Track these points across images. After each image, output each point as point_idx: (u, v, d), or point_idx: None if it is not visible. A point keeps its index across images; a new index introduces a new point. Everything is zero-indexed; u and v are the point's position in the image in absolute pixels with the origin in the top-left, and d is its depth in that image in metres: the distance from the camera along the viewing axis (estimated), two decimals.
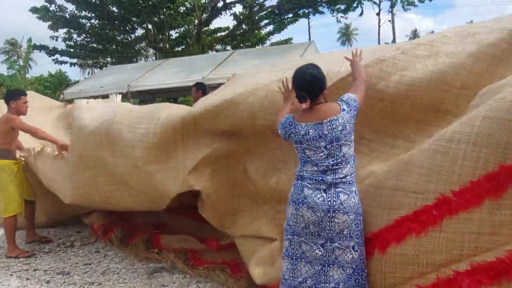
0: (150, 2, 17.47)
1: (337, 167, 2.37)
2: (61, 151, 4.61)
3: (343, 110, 2.40)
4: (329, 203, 2.35)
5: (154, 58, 22.65)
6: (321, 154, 2.38)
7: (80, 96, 12.80)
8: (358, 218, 2.42)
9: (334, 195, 2.35)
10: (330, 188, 2.36)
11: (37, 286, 3.76)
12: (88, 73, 26.10)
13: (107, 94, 12.07)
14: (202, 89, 6.40)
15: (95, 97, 15.57)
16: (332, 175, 2.37)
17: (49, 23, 18.41)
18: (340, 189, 2.37)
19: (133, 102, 13.20)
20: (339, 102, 2.45)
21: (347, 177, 2.39)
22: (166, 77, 11.39)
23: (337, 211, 2.34)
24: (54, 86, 20.54)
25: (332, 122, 2.36)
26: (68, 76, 22.82)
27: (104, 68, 19.37)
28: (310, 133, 2.38)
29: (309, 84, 2.41)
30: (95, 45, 20.21)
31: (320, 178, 2.37)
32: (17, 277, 4.01)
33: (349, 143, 2.42)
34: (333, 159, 2.37)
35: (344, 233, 2.38)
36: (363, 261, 2.43)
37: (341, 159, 2.38)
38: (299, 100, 2.41)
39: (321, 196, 2.36)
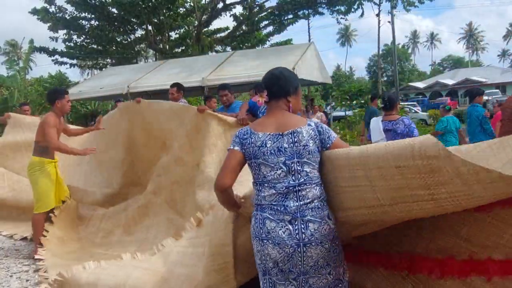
0: (150, 3, 17.49)
1: (300, 188, 1.98)
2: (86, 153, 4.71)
3: (309, 125, 2.07)
4: (297, 236, 1.95)
5: (154, 59, 22.67)
6: (279, 171, 2.01)
7: (80, 97, 12.85)
8: (335, 243, 2.05)
9: (302, 226, 1.96)
10: (296, 218, 1.96)
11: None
12: (88, 74, 26.09)
13: (107, 95, 12.10)
14: (183, 89, 6.58)
15: (95, 98, 15.65)
16: (296, 200, 1.98)
17: (49, 24, 18.43)
18: (309, 218, 1.96)
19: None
20: (307, 120, 2.14)
21: (315, 201, 1.99)
22: (166, 78, 11.40)
23: (308, 245, 1.96)
24: (54, 87, 20.52)
25: (295, 134, 2.02)
26: (68, 77, 22.85)
27: (104, 69, 19.40)
28: (267, 145, 2.03)
29: (271, 79, 2.16)
30: (95, 46, 20.23)
31: (282, 207, 1.98)
32: (17, 278, 4.01)
33: (313, 164, 2.03)
34: (293, 177, 1.99)
35: (319, 263, 2.01)
36: (339, 278, 2.13)
37: (304, 178, 2.00)
38: (255, 91, 2.22)
39: (287, 229, 1.97)
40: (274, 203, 2.01)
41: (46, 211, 4.62)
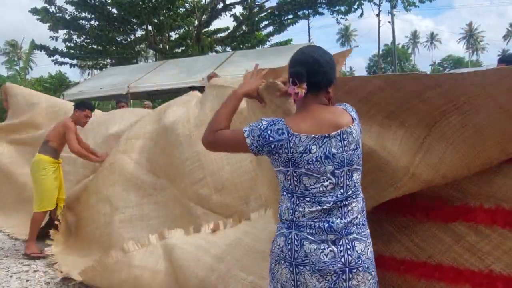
0: (150, 4, 17.51)
1: (347, 202, 1.63)
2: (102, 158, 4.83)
3: (354, 119, 1.68)
4: (342, 259, 1.60)
5: (154, 59, 22.68)
6: (326, 183, 1.61)
7: (80, 98, 12.86)
8: (375, 271, 1.72)
9: (348, 247, 1.61)
10: (341, 237, 1.61)
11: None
12: (88, 74, 26.11)
13: (107, 95, 12.13)
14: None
15: (95, 99, 15.66)
16: (341, 216, 1.62)
17: (49, 24, 18.45)
18: (354, 236, 1.63)
19: (133, 103, 13.24)
20: (344, 108, 1.73)
21: (359, 217, 1.66)
22: (166, 78, 11.43)
23: (355, 270, 1.61)
24: (54, 87, 20.51)
25: (344, 136, 1.62)
26: (68, 77, 22.82)
27: (104, 69, 19.42)
28: (312, 151, 1.60)
29: (313, 65, 1.66)
30: (95, 46, 20.26)
31: (327, 224, 1.60)
32: (17, 278, 4.01)
33: (360, 168, 1.70)
34: (342, 190, 1.63)
35: None
36: None
37: (352, 190, 1.65)
38: (293, 81, 1.66)
39: (330, 251, 1.61)
40: (315, 220, 1.61)
41: (46, 211, 4.71)
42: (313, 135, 1.60)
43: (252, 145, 1.65)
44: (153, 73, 12.12)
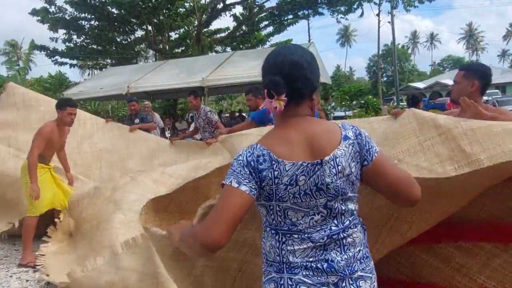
0: (150, 4, 17.51)
1: (345, 234, 1.35)
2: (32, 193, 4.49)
3: (346, 138, 1.35)
4: None
5: (154, 60, 22.69)
6: (317, 217, 1.33)
7: (80, 97, 12.86)
8: None
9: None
10: (344, 277, 1.33)
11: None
12: (88, 74, 26.09)
13: (107, 95, 12.13)
14: (200, 95, 6.64)
15: (95, 99, 15.66)
16: (341, 251, 1.34)
17: (49, 24, 18.45)
18: (359, 274, 1.36)
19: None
20: (337, 123, 1.42)
21: (362, 249, 1.39)
22: (166, 78, 11.44)
23: None
24: (54, 87, 20.58)
25: (338, 160, 1.30)
26: (68, 77, 22.86)
27: (104, 69, 19.42)
28: (300, 183, 1.29)
29: (291, 69, 1.33)
30: (95, 47, 20.26)
31: (326, 264, 1.32)
32: (17, 279, 4.01)
33: (356, 196, 1.40)
34: (336, 221, 1.35)
35: None
36: None
37: (349, 220, 1.37)
38: (269, 93, 1.31)
39: None
40: (311, 260, 1.33)
41: (37, 215, 4.46)
42: (300, 162, 1.28)
43: (251, 189, 1.29)
44: (153, 73, 12.13)
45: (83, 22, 19.36)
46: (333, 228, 1.34)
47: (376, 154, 1.37)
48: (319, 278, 1.32)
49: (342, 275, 1.32)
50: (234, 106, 38.74)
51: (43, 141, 4.48)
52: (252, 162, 1.30)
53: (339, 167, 1.30)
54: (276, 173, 1.28)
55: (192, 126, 12.41)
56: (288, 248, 1.34)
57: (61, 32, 19.17)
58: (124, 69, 14.33)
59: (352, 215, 1.38)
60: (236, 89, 13.25)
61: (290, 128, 1.35)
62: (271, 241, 1.38)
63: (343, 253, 1.34)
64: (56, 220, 4.73)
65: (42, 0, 17.75)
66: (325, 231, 1.33)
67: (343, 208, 1.35)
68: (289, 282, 1.33)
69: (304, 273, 1.32)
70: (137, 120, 6.82)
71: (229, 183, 1.29)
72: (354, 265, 1.35)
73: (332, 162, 1.29)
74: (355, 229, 1.38)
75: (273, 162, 1.29)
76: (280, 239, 1.36)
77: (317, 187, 1.29)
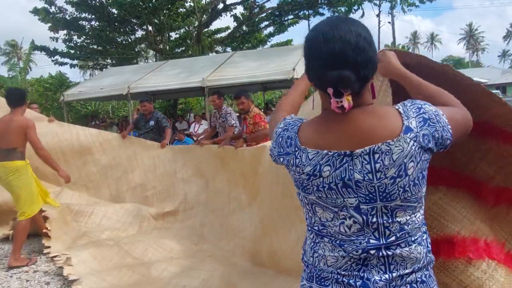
0: (150, 4, 17.51)
1: (390, 253, 1.11)
2: (65, 178, 4.62)
3: (407, 129, 1.08)
4: None
5: (154, 60, 22.71)
6: (349, 221, 1.12)
7: (80, 98, 12.86)
8: None
9: None
10: None
11: None
12: (90, 74, 26.11)
13: (107, 95, 12.12)
14: (223, 95, 6.71)
15: (96, 99, 15.65)
16: (384, 271, 1.11)
17: (49, 24, 18.45)
18: None
19: (133, 104, 13.25)
20: (398, 109, 1.13)
21: (415, 273, 1.13)
22: (166, 78, 11.43)
23: None
24: (55, 87, 20.53)
25: (376, 156, 1.07)
26: (68, 77, 22.83)
27: (104, 69, 19.42)
28: (324, 174, 1.11)
29: (355, 53, 1.06)
30: (95, 47, 20.27)
31: (360, 281, 1.11)
32: (17, 279, 4.01)
33: (414, 205, 1.12)
34: (377, 234, 1.11)
35: None
36: None
37: (398, 235, 1.11)
38: (336, 92, 1.06)
39: None
40: (343, 273, 1.13)
41: (31, 216, 4.41)
42: (325, 151, 1.10)
43: (272, 150, 1.25)
44: (153, 74, 12.13)
45: (83, 22, 19.35)
46: (371, 241, 1.10)
47: (450, 138, 1.11)
48: None
49: None
50: (234, 107, 38.73)
51: (36, 137, 4.42)
52: (280, 138, 1.22)
53: (378, 165, 1.06)
54: (297, 161, 1.14)
55: (193, 126, 12.43)
56: (319, 252, 1.18)
57: (62, 32, 19.19)
58: (124, 69, 14.34)
59: (402, 230, 1.10)
60: (236, 90, 13.12)
61: (336, 114, 1.11)
62: (309, 240, 1.24)
63: (387, 272, 1.10)
64: (47, 216, 4.71)
65: (42, 0, 17.75)
66: (360, 243, 1.11)
67: (388, 219, 1.09)
68: None
69: (334, 287, 1.14)
70: (152, 122, 6.72)
71: (277, 128, 1.26)
72: None
73: (367, 157, 1.06)
74: (407, 248, 1.11)
75: (296, 149, 1.15)
76: (313, 239, 1.21)
77: (344, 182, 1.09)
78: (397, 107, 1.14)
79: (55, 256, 4.33)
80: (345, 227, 1.12)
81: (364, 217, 1.10)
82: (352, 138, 1.09)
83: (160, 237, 4.93)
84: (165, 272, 3.96)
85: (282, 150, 1.20)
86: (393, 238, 1.10)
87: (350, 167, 1.08)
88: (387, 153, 1.06)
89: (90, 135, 6.27)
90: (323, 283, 1.16)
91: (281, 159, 1.20)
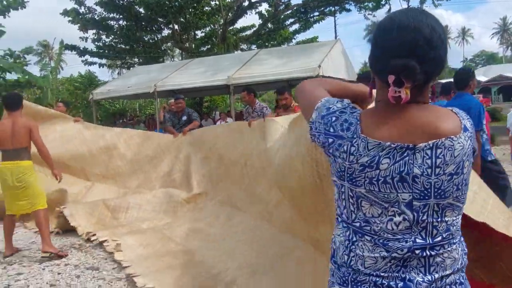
0: (176, 3, 17.71)
1: (434, 253, 1.08)
2: (56, 176, 4.89)
3: (465, 128, 1.09)
4: None
5: (180, 58, 22.94)
6: (398, 218, 1.08)
7: (108, 96, 13.14)
8: None
9: None
10: None
11: (68, 280, 3.88)
12: (118, 73, 26.63)
13: (134, 94, 12.34)
14: (254, 92, 6.83)
15: (123, 97, 15.96)
16: (424, 272, 1.08)
17: (79, 25, 18.91)
18: None
19: (160, 102, 13.43)
20: (452, 110, 1.15)
21: (454, 274, 1.11)
22: (192, 76, 11.54)
23: None
24: (84, 86, 21.06)
25: (439, 151, 1.05)
26: (97, 76, 23.34)
27: (131, 68, 19.77)
28: (382, 166, 1.06)
29: (425, 46, 1.06)
30: (123, 46, 20.63)
31: (401, 283, 1.07)
32: (49, 271, 4.14)
33: (460, 206, 1.12)
34: (424, 234, 1.08)
35: None
36: None
37: (444, 236, 1.09)
38: (397, 80, 1.04)
39: None
40: (382, 274, 1.08)
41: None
42: (388, 143, 1.05)
43: (313, 123, 1.18)
44: (179, 72, 12.26)
45: (111, 22, 19.74)
46: (418, 240, 1.07)
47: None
48: None
49: None
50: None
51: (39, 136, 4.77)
52: (334, 117, 1.13)
53: (439, 161, 1.04)
54: (353, 149, 1.08)
55: (218, 123, 12.50)
56: (357, 252, 1.11)
57: (91, 32, 19.64)
58: (151, 68, 14.55)
59: (448, 230, 1.09)
60: (261, 87, 13.19)
61: (395, 106, 1.08)
62: (341, 237, 1.16)
63: (426, 273, 1.07)
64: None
65: (72, 1, 18.21)
66: (406, 242, 1.06)
67: (437, 218, 1.07)
68: None
69: None
70: (184, 117, 7.02)
71: (320, 101, 1.19)
72: None
73: (429, 152, 1.04)
74: (449, 249, 1.09)
75: (355, 136, 1.08)
76: (350, 237, 1.13)
77: (401, 176, 1.05)
78: (450, 108, 1.14)
79: (104, 241, 4.75)
80: (393, 224, 1.08)
81: (415, 214, 1.06)
82: (415, 132, 1.06)
83: (195, 219, 5.18)
84: (207, 256, 4.12)
85: (332, 131, 1.12)
86: (439, 238, 1.08)
87: (410, 161, 1.05)
88: (449, 149, 1.05)
89: (115, 133, 6.80)
90: (359, 287, 1.10)
91: (328, 140, 1.13)
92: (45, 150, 4.74)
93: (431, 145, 1.04)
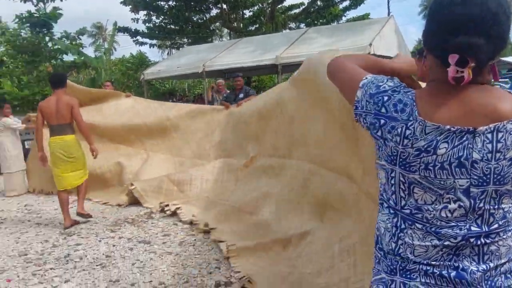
0: None
1: (488, 241, 1.02)
2: (93, 152, 5.14)
3: None
4: None
5: (228, 38, 22.98)
6: (453, 206, 1.01)
7: (159, 76, 13.43)
8: None
9: None
10: None
11: (122, 252, 4.06)
12: (167, 53, 27.15)
13: (184, 74, 12.54)
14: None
15: (173, 77, 16.27)
16: (478, 260, 1.02)
17: (130, 6, 19.35)
18: None
19: (208, 82, 13.56)
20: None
21: (510, 262, 1.04)
22: (240, 56, 11.53)
23: None
24: (135, 66, 21.65)
25: (500, 135, 0.97)
26: (148, 57, 23.90)
27: (181, 48, 20.06)
28: (439, 151, 0.99)
29: (492, 22, 0.97)
30: (172, 26, 20.95)
31: (454, 272, 1.01)
32: (105, 243, 4.35)
33: None
34: (480, 221, 1.01)
35: None
36: None
37: (499, 223, 1.02)
38: (461, 58, 0.96)
39: None
40: (433, 263, 1.03)
41: None
42: (448, 127, 0.98)
43: (359, 102, 1.10)
44: (227, 52, 12.28)
45: (161, 2, 20.05)
46: (473, 228, 1.00)
47: None
48: None
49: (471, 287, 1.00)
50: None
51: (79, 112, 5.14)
52: (386, 96, 1.05)
53: (499, 145, 0.96)
54: (408, 132, 1.00)
55: None
56: (406, 240, 1.05)
57: (142, 13, 20.07)
58: (199, 48, 14.68)
59: (504, 218, 1.02)
60: None
61: (452, 88, 1.01)
62: (387, 223, 1.10)
63: (481, 263, 1.01)
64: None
65: None
66: (461, 229, 1.00)
67: (494, 205, 1.00)
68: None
69: (423, 280, 1.03)
70: (241, 95, 7.22)
71: (363, 78, 1.12)
72: (496, 279, 1.01)
73: (489, 136, 0.96)
74: (504, 237, 1.02)
75: (411, 119, 1.01)
76: (398, 224, 1.07)
77: (459, 161, 0.98)
78: (509, 91, 1.04)
79: (178, 208, 5.20)
80: (447, 211, 1.01)
81: (472, 202, 0.99)
82: (474, 114, 0.98)
83: (256, 182, 5.26)
84: (272, 217, 4.37)
85: (384, 111, 1.04)
86: (496, 226, 1.01)
87: (469, 145, 0.97)
88: (511, 133, 0.96)
89: (166, 107, 7.11)
90: (408, 276, 1.05)
91: (380, 121, 1.05)
92: (84, 125, 5.10)
93: (492, 128, 0.96)
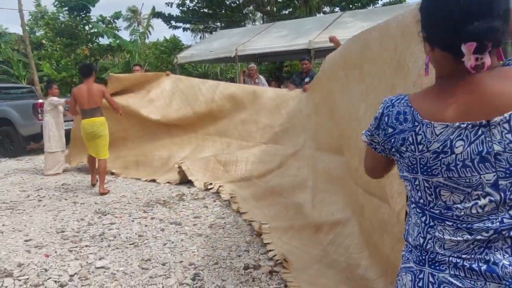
0: None
1: None
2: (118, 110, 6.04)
3: None
4: None
5: (261, 22, 22.79)
6: (484, 201, 0.97)
7: (192, 60, 13.52)
8: None
9: None
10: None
11: (154, 233, 4.16)
12: (200, 37, 27.24)
13: (216, 58, 12.56)
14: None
15: (205, 61, 16.34)
16: (510, 253, 0.97)
17: None
18: None
19: (240, 66, 13.56)
20: None
21: None
22: (272, 41, 11.43)
23: None
24: (169, 50, 21.83)
25: None
26: (181, 41, 24.05)
27: (214, 32, 20.07)
28: (456, 150, 0.96)
29: (506, 2, 0.95)
30: (206, 10, 20.94)
31: (485, 266, 0.98)
32: (138, 223, 4.47)
33: None
34: (511, 212, 0.97)
35: None
36: None
37: None
38: (480, 46, 0.92)
39: None
40: (464, 256, 1.00)
41: None
42: (457, 124, 0.95)
43: (371, 144, 1.16)
44: (260, 36, 12.20)
45: None
46: (505, 220, 0.96)
47: None
48: (472, 282, 0.98)
49: (507, 283, 0.95)
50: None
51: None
52: (385, 118, 1.08)
53: None
54: (419, 137, 0.99)
55: None
56: (436, 234, 1.03)
57: None
58: (232, 32, 14.64)
59: None
60: None
61: (458, 80, 0.97)
62: (416, 219, 1.09)
63: (509, 256, 0.96)
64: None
65: None
66: (493, 223, 0.97)
67: None
68: (431, 279, 1.04)
69: (452, 272, 1.01)
70: (307, 79, 7.01)
71: (364, 138, 1.19)
72: None
73: (506, 126, 0.91)
74: None
75: (416, 124, 1.00)
76: (427, 222, 1.06)
77: (481, 156, 0.94)
78: None
79: (220, 186, 5.52)
80: (477, 208, 0.97)
81: (502, 194, 0.95)
82: (486, 105, 0.93)
83: (298, 170, 5.35)
84: (311, 206, 4.49)
85: (392, 130, 1.06)
86: None
87: (487, 138, 0.93)
88: None
89: (209, 86, 7.07)
90: (437, 267, 1.03)
91: (391, 140, 1.06)
92: (115, 103, 6.02)
93: (507, 118, 0.91)
